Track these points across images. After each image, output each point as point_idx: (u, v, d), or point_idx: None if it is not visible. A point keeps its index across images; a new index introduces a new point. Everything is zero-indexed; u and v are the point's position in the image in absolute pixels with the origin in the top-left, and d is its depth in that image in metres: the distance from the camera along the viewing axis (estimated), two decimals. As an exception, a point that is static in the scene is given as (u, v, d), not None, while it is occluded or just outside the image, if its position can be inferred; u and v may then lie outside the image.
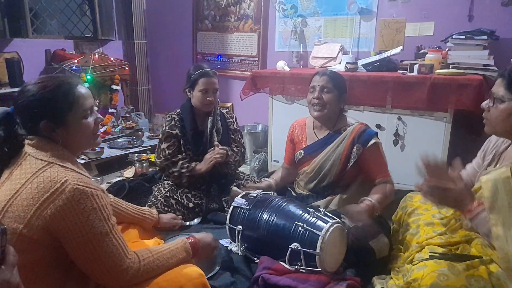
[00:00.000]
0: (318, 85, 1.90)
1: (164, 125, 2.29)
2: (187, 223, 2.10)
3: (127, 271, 1.08)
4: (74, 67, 3.39)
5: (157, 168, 2.36)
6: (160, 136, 2.30)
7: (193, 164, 2.19)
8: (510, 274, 1.08)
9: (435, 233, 1.44)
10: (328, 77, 1.90)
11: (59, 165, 1.06)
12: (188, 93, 2.26)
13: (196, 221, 2.15)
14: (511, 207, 1.08)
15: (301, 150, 2.01)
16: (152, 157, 3.20)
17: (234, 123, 2.41)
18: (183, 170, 2.16)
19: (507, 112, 1.23)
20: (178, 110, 2.33)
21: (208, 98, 2.19)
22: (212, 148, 2.18)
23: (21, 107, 1.10)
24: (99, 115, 1.22)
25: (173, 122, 2.26)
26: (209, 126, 2.26)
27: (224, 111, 2.42)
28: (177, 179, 2.20)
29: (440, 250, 1.36)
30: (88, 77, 3.42)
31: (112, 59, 3.79)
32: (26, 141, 1.10)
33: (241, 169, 2.78)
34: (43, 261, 1.03)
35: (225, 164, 2.23)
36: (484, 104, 1.32)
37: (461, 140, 2.44)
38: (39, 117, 1.08)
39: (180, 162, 2.18)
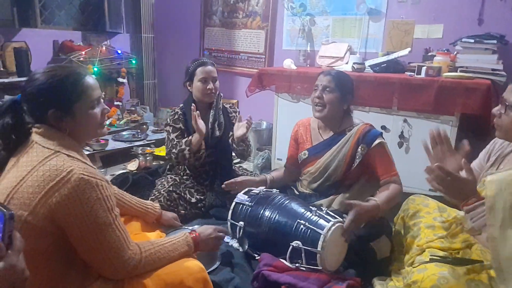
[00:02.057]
0: (321, 85, 1.89)
1: (168, 119, 2.30)
2: (185, 228, 2.08)
3: (128, 262, 1.08)
4: (81, 58, 3.40)
5: (167, 157, 2.34)
6: (166, 129, 2.29)
7: (188, 139, 2.14)
8: (499, 275, 1.08)
9: (435, 236, 1.44)
10: (331, 77, 1.89)
11: (65, 154, 1.06)
12: (189, 87, 2.27)
13: (196, 227, 2.13)
14: (511, 208, 1.07)
15: (306, 151, 2.01)
16: (156, 151, 3.22)
17: (236, 117, 2.41)
18: (182, 147, 2.13)
19: None
20: (181, 105, 2.34)
21: (208, 87, 2.18)
22: (194, 115, 2.10)
23: (29, 95, 1.11)
24: (106, 106, 1.23)
25: (176, 116, 2.27)
26: (210, 120, 2.26)
27: (227, 106, 2.42)
28: (183, 159, 2.15)
29: (441, 253, 1.36)
30: (95, 69, 3.43)
31: (119, 51, 3.80)
32: (34, 129, 1.11)
33: (244, 166, 2.79)
34: (46, 249, 1.04)
35: (242, 141, 2.17)
36: (495, 110, 1.31)
37: (466, 144, 2.42)
38: (47, 106, 1.09)
39: (179, 142, 2.16)
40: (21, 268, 0.69)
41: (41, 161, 1.03)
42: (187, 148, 2.12)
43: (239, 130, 2.14)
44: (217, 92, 2.28)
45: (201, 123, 2.09)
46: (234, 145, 2.21)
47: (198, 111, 2.11)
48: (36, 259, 1.02)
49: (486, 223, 1.12)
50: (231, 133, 2.28)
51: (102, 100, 1.22)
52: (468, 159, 1.30)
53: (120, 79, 3.82)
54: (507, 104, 1.25)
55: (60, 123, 1.11)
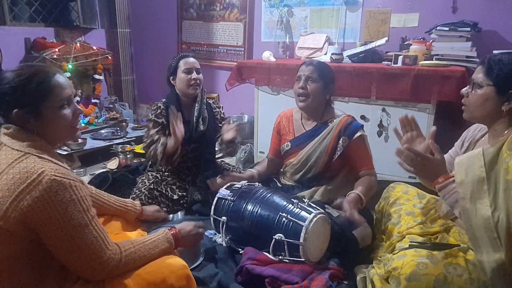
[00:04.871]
0: (304, 75, 1.90)
1: (150, 114, 2.27)
2: (170, 217, 2.08)
3: (108, 262, 1.07)
4: (54, 56, 3.31)
5: (146, 157, 2.33)
6: (147, 124, 2.27)
7: (165, 140, 2.12)
8: (474, 244, 1.14)
9: (415, 222, 1.47)
10: (313, 67, 1.90)
11: (36, 155, 1.03)
12: (172, 81, 2.25)
13: (179, 214, 2.13)
14: (479, 181, 1.13)
15: (288, 142, 2.01)
16: (137, 148, 3.17)
17: (220, 112, 2.41)
18: (158, 146, 2.10)
19: (485, 97, 1.26)
20: (163, 100, 2.30)
21: (192, 77, 2.17)
22: (172, 119, 2.08)
23: None
24: (79, 107, 1.18)
25: (159, 111, 2.24)
26: (195, 114, 2.24)
27: (210, 102, 2.41)
28: (154, 158, 2.13)
29: (420, 239, 1.39)
30: (70, 66, 3.34)
31: (94, 48, 3.71)
32: (2, 130, 1.07)
33: (226, 160, 2.77)
34: (21, 254, 1.01)
35: (231, 141, 2.14)
36: (464, 90, 1.36)
37: (443, 131, 2.46)
38: (12, 105, 1.05)
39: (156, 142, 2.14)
40: None
41: (11, 164, 1.00)
42: (160, 150, 2.08)
43: (228, 133, 2.11)
44: (201, 84, 2.26)
45: (180, 128, 2.05)
46: (223, 145, 2.19)
47: (180, 113, 2.09)
48: (10, 264, 1.00)
49: (458, 197, 1.18)
50: (219, 134, 2.28)
51: (74, 101, 1.18)
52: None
53: (97, 76, 3.73)
54: (474, 82, 1.30)
55: (26, 123, 1.07)
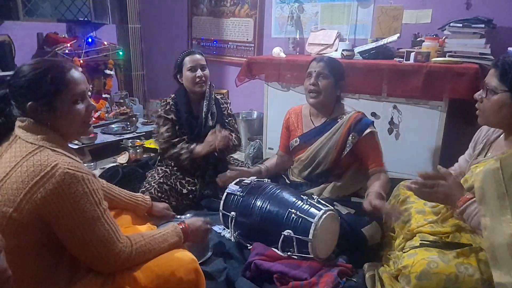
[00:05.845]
0: (315, 71, 1.88)
1: (159, 110, 2.28)
2: (179, 217, 2.08)
3: (119, 255, 1.08)
4: (66, 51, 3.34)
5: (159, 151, 2.37)
6: (157, 121, 2.29)
7: (192, 145, 2.17)
8: (494, 263, 1.10)
9: (426, 221, 1.45)
10: (324, 63, 1.88)
11: (50, 149, 1.04)
12: (179, 79, 2.26)
13: (188, 215, 2.14)
14: (499, 198, 1.09)
15: (297, 138, 2.01)
16: (147, 143, 3.19)
17: (228, 108, 2.41)
18: (182, 151, 2.15)
19: (500, 104, 1.22)
20: (172, 95, 2.31)
21: (197, 75, 2.17)
22: (213, 130, 2.13)
23: (12, 87, 1.09)
24: (92, 103, 1.19)
25: (168, 107, 2.25)
26: (204, 109, 2.25)
27: (218, 97, 2.41)
28: (176, 160, 2.19)
29: (431, 238, 1.37)
30: (81, 61, 3.37)
31: (105, 43, 3.74)
32: (17, 123, 1.09)
33: (235, 156, 2.77)
34: (33, 246, 1.03)
35: (225, 148, 2.19)
36: (477, 95, 1.31)
37: (455, 129, 2.44)
38: (27, 99, 1.07)
39: (180, 144, 2.18)
40: (2, 268, 0.68)
41: (25, 156, 1.01)
42: (187, 155, 2.13)
43: (219, 143, 2.11)
44: (208, 81, 2.26)
45: (218, 145, 2.10)
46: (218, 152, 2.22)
47: (226, 131, 2.12)
48: (23, 255, 1.01)
49: (479, 214, 1.14)
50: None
51: (88, 96, 1.19)
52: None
53: (108, 71, 3.76)
54: (488, 88, 1.25)
55: (40, 116, 1.08)
